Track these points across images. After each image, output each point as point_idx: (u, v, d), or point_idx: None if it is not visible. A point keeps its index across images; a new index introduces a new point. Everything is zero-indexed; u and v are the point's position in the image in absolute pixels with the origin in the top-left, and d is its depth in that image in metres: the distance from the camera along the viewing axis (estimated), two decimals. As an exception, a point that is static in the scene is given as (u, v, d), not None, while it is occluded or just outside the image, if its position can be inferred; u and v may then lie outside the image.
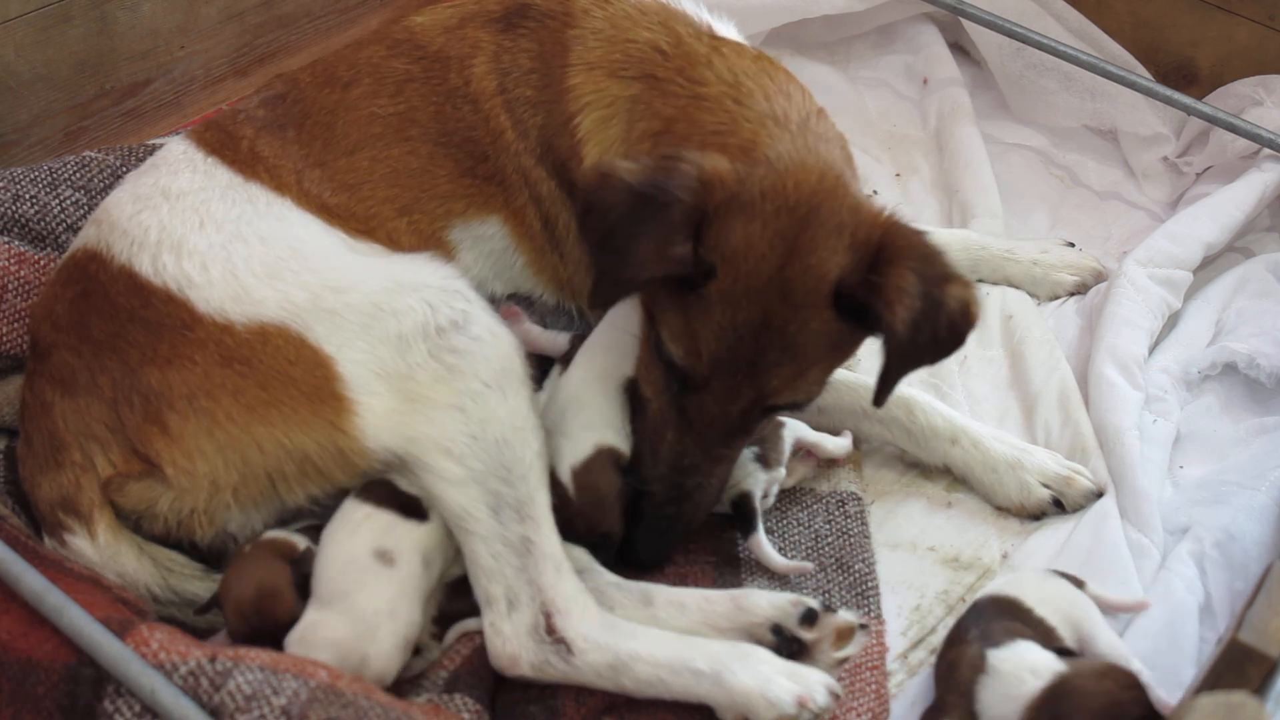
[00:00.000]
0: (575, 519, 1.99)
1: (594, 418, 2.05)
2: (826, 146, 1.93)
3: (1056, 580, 2.02)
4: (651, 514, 2.01)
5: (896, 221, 1.83)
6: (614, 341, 2.11)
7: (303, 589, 1.85)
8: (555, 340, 2.25)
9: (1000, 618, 1.93)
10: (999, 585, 2.02)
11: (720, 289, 1.80)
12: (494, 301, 2.27)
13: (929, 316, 1.76)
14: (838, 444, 2.26)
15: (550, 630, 1.84)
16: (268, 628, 1.80)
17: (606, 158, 2.06)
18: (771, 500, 2.18)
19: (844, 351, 1.91)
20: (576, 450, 2.02)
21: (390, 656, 1.81)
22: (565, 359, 2.20)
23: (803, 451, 2.25)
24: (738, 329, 1.81)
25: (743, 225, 1.79)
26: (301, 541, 1.90)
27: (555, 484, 1.99)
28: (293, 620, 1.81)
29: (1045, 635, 1.91)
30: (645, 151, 1.99)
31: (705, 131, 1.94)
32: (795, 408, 1.97)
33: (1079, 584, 2.04)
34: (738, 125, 1.93)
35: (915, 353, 1.82)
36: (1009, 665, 1.82)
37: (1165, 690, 1.90)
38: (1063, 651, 1.86)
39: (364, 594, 1.82)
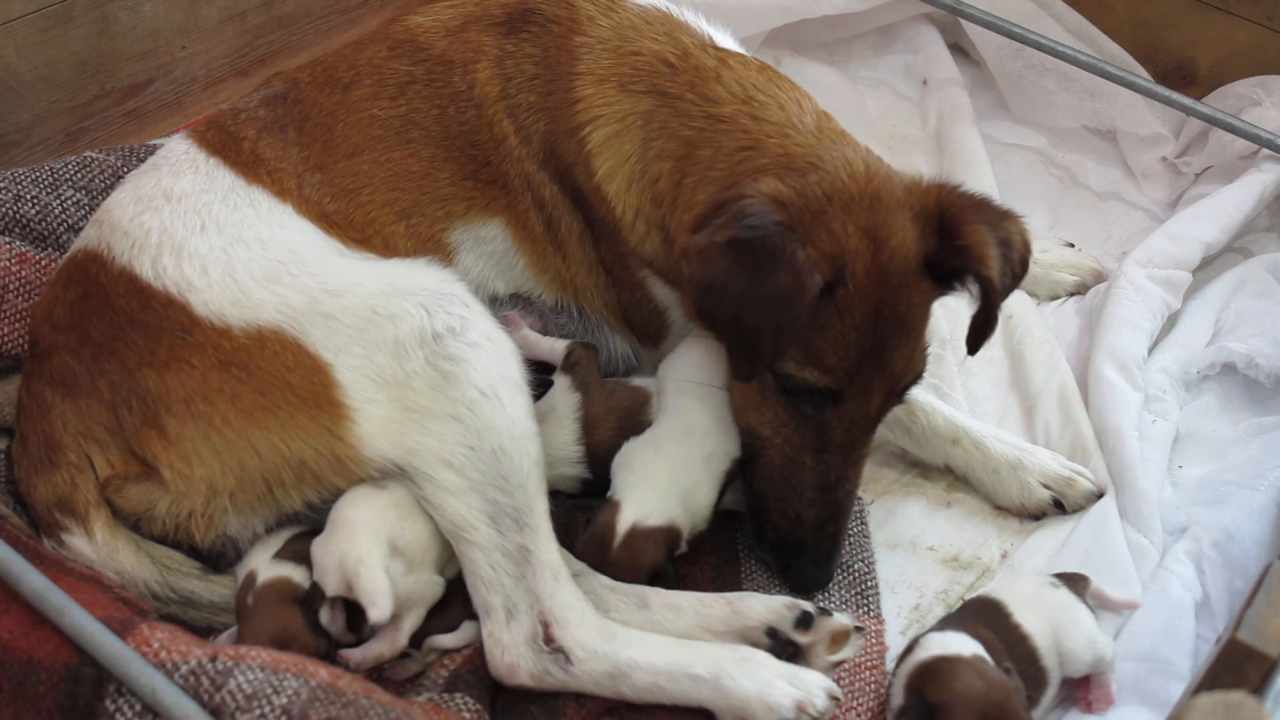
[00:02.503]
0: (608, 565, 1.99)
1: (683, 495, 2.03)
2: (847, 141, 2.00)
3: (1053, 590, 2.00)
4: (813, 540, 2.02)
5: (941, 185, 1.93)
6: (721, 414, 2.09)
7: (316, 625, 1.86)
8: (553, 348, 2.24)
9: (976, 617, 1.93)
10: (992, 587, 2.03)
11: (836, 296, 1.84)
12: (496, 300, 2.27)
13: (1007, 259, 1.90)
14: None
15: (549, 640, 1.85)
16: None
17: (620, 173, 2.08)
18: None
19: (930, 309, 1.97)
20: (650, 512, 2.00)
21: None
22: (566, 366, 2.20)
23: None
24: (858, 329, 1.86)
25: (825, 231, 1.83)
26: (302, 577, 1.89)
27: (609, 518, 1.99)
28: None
29: (1015, 642, 1.90)
30: (666, 172, 2.05)
31: (730, 154, 1.98)
32: (916, 383, 2.00)
33: (1083, 582, 2.04)
34: (761, 142, 1.97)
35: (1003, 293, 1.92)
36: (922, 647, 1.86)
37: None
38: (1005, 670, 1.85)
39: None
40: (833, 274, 1.82)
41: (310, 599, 1.86)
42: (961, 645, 1.84)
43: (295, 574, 1.89)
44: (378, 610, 1.78)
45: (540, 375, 2.22)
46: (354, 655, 1.86)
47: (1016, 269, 1.93)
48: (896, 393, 1.97)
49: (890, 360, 1.91)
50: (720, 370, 2.10)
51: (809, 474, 1.98)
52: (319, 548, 1.86)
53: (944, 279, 1.93)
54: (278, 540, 1.94)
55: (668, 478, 2.02)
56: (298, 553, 1.90)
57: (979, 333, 1.99)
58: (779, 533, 2.04)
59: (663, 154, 2.06)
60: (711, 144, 2.01)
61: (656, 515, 2.00)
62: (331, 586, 1.83)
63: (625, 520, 1.99)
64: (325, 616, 1.85)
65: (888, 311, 1.87)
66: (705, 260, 1.81)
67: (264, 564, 1.90)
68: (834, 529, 2.02)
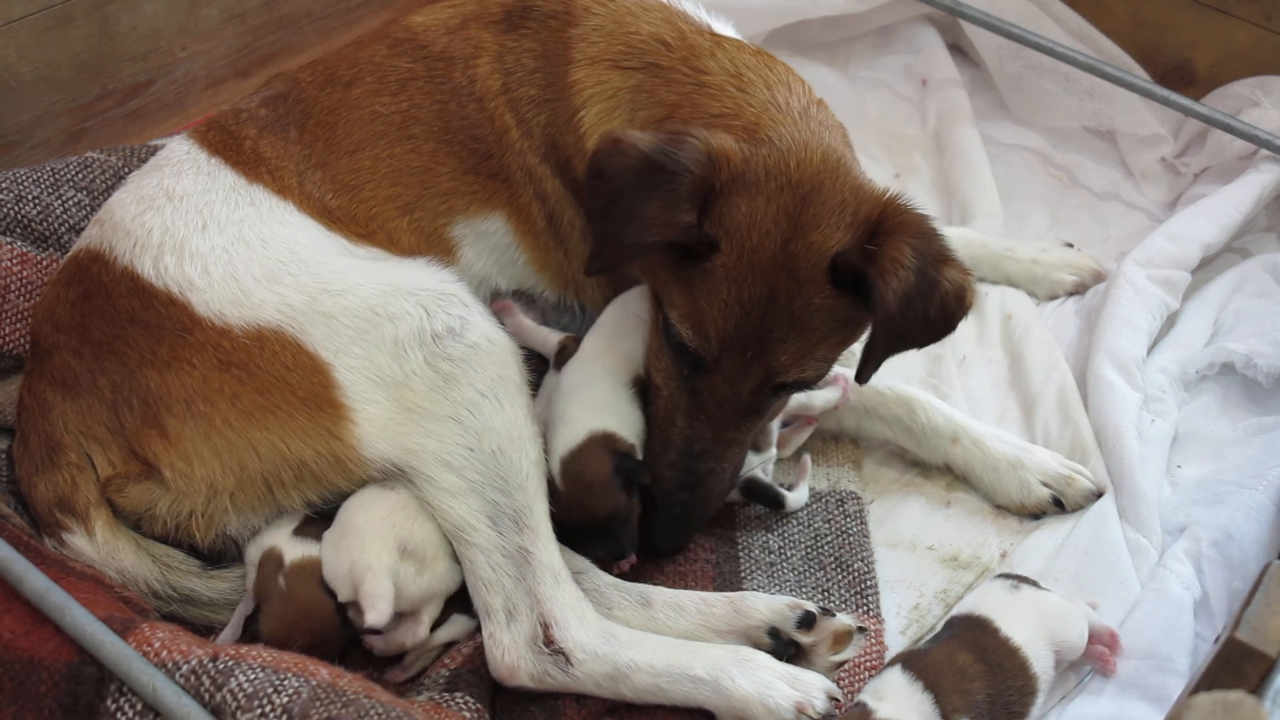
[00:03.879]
0: (570, 510, 1.98)
1: (595, 403, 2.03)
2: (828, 132, 1.97)
3: (1019, 591, 1.99)
4: (664, 501, 2.02)
5: (898, 200, 1.85)
6: (624, 332, 2.10)
7: (343, 614, 1.87)
8: (547, 339, 2.25)
9: (961, 639, 1.91)
10: (973, 602, 2.00)
11: (725, 264, 1.82)
12: (497, 297, 2.28)
13: (922, 294, 1.78)
14: (826, 396, 2.26)
15: (549, 641, 1.85)
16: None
17: None
18: (769, 475, 2.20)
19: (851, 329, 1.91)
20: (569, 438, 2.01)
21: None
22: (559, 360, 2.21)
23: (797, 421, 2.29)
24: (744, 305, 1.83)
25: (747, 202, 1.82)
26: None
27: (550, 480, 1.99)
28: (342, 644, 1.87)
29: (1004, 658, 1.89)
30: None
31: (709, 115, 1.97)
32: (804, 386, 1.97)
33: (1031, 582, 2.04)
34: (741, 110, 1.96)
35: (904, 329, 1.82)
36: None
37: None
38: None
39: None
40: (706, 242, 1.80)
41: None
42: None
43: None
44: (375, 614, 1.79)
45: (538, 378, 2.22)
46: (377, 643, 1.87)
47: (932, 313, 1.81)
48: (774, 386, 1.92)
49: (772, 350, 1.86)
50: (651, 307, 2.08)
51: (676, 434, 1.98)
52: (329, 552, 1.87)
53: (851, 288, 1.82)
54: (291, 520, 1.93)
55: (575, 405, 2.03)
56: (319, 534, 1.91)
57: (864, 359, 1.89)
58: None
59: (647, 121, 2.04)
60: (692, 104, 2.00)
61: (575, 435, 2.00)
62: (343, 593, 1.84)
63: (554, 465, 2.00)
64: (351, 612, 1.87)
65: (782, 300, 1.83)
66: (616, 151, 1.82)
67: (286, 542, 1.90)
68: (688, 499, 2.00)
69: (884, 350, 1.88)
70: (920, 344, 1.92)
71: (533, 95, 2.16)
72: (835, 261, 1.81)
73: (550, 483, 1.98)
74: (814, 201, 1.83)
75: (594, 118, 2.10)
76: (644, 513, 2.05)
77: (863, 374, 1.94)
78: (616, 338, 2.11)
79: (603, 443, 2.00)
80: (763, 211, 1.82)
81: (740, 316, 1.84)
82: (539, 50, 2.17)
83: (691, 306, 1.87)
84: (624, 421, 2.04)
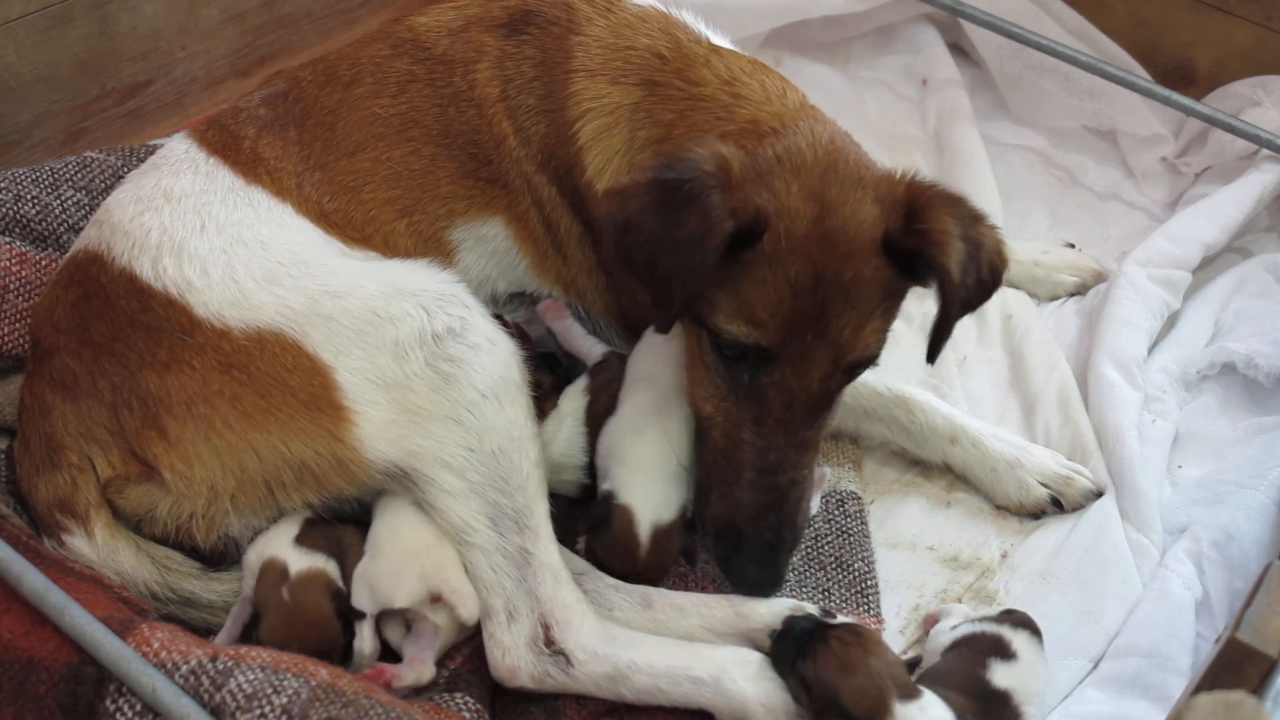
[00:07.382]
0: (639, 572, 1.99)
1: (675, 474, 2.01)
2: (823, 120, 1.98)
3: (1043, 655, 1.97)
4: (752, 531, 1.89)
5: (917, 177, 1.87)
6: (680, 383, 2.05)
7: (344, 616, 1.87)
8: (591, 350, 2.23)
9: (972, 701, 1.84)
10: (1017, 679, 1.89)
11: (766, 249, 1.79)
12: (496, 300, 2.27)
13: (972, 257, 1.81)
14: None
15: (549, 642, 1.85)
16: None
17: (609, 169, 2.07)
18: None
19: (896, 300, 1.90)
20: (665, 508, 1.98)
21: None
22: (596, 370, 2.19)
23: None
24: (793, 285, 1.79)
25: (767, 187, 1.80)
26: (334, 570, 1.89)
27: (627, 527, 1.97)
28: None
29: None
30: (646, 160, 2.02)
31: (702, 127, 1.97)
32: (868, 363, 1.90)
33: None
34: (733, 113, 1.96)
35: (965, 295, 1.83)
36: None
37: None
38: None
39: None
40: (752, 223, 1.77)
41: (343, 599, 1.87)
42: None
43: (329, 566, 1.89)
44: (467, 610, 1.82)
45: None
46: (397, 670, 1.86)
47: (984, 272, 1.84)
48: (842, 368, 1.87)
49: (832, 328, 1.82)
50: (680, 348, 2.05)
51: (748, 450, 1.88)
52: (376, 565, 1.86)
53: (903, 266, 1.84)
54: (290, 525, 1.91)
55: (660, 463, 2.00)
56: (320, 542, 1.90)
57: (936, 335, 1.90)
58: (718, 521, 1.93)
59: (646, 141, 2.05)
60: (688, 121, 2.00)
61: (668, 508, 1.98)
62: (410, 597, 1.82)
63: (644, 527, 1.97)
64: (367, 635, 1.86)
65: (830, 276, 1.79)
66: (625, 198, 1.80)
67: (289, 552, 1.88)
68: (775, 521, 1.88)
69: (953, 321, 1.87)
70: (976, 305, 1.90)
71: (531, 104, 2.15)
72: (887, 241, 1.82)
73: (626, 543, 1.97)
74: (832, 179, 1.82)
75: (591, 132, 2.09)
76: (720, 546, 1.95)
77: (933, 352, 1.92)
78: (673, 386, 2.05)
79: (683, 516, 2.00)
80: (785, 192, 1.80)
81: (791, 298, 1.79)
82: (539, 58, 2.16)
83: (739, 301, 1.82)
84: (686, 482, 2.02)
